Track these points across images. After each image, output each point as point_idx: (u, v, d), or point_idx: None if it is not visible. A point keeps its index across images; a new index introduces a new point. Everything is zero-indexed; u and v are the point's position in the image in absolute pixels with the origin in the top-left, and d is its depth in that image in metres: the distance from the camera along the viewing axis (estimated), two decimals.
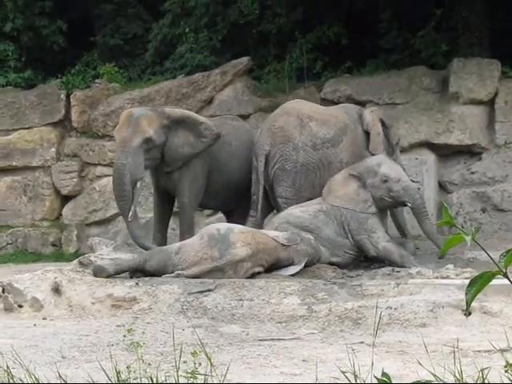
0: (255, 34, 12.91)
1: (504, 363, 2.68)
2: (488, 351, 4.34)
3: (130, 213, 8.11)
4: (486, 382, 2.65)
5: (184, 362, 3.24)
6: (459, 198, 10.81)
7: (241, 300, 5.91)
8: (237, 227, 7.16)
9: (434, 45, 11.82)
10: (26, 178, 12.54)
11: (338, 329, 5.36)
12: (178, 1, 13.47)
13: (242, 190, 8.84)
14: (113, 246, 8.41)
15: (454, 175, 11.04)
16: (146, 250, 7.70)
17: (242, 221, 8.24)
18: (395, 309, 5.38)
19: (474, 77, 10.97)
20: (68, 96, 12.59)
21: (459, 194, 10.83)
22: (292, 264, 7.04)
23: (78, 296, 6.25)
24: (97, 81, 12.82)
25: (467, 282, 1.90)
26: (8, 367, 3.24)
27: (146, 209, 11.14)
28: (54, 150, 12.47)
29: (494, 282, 1.88)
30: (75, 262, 7.49)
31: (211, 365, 3.00)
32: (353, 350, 4.15)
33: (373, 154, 8.60)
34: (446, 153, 11.11)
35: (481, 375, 2.65)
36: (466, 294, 1.86)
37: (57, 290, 6.31)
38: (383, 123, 8.93)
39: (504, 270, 1.83)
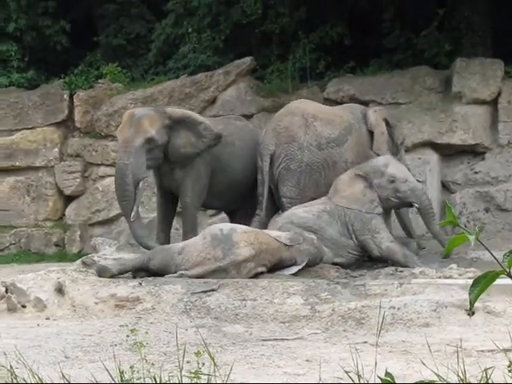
0: (258, 33, 12.91)
1: (507, 363, 2.69)
2: (491, 351, 4.33)
3: (133, 213, 8.09)
4: (489, 381, 2.65)
5: (187, 362, 3.24)
6: (462, 198, 10.80)
7: (244, 300, 5.91)
8: (240, 227, 7.17)
9: (437, 45, 11.83)
10: (29, 178, 12.55)
11: (341, 329, 5.35)
12: (180, 1, 13.47)
13: (246, 190, 8.84)
14: (116, 246, 8.41)
15: (457, 175, 11.03)
16: (149, 249, 7.69)
17: (245, 221, 8.23)
18: (398, 309, 5.38)
19: (477, 77, 10.96)
20: (71, 96, 12.60)
21: (462, 193, 10.82)
22: (295, 264, 7.05)
23: (82, 296, 6.25)
24: (100, 81, 12.83)
25: (470, 281, 1.90)
26: (11, 367, 3.24)
27: (148, 209, 11.13)
28: (57, 150, 12.48)
29: (498, 281, 1.87)
30: (78, 262, 7.51)
31: (214, 365, 3.00)
32: (356, 349, 4.15)
33: (377, 154, 8.60)
34: (449, 152, 11.10)
35: (484, 375, 2.65)
36: (470, 293, 1.86)
37: (60, 290, 6.32)
38: (387, 123, 8.91)
39: (507, 270, 1.83)
